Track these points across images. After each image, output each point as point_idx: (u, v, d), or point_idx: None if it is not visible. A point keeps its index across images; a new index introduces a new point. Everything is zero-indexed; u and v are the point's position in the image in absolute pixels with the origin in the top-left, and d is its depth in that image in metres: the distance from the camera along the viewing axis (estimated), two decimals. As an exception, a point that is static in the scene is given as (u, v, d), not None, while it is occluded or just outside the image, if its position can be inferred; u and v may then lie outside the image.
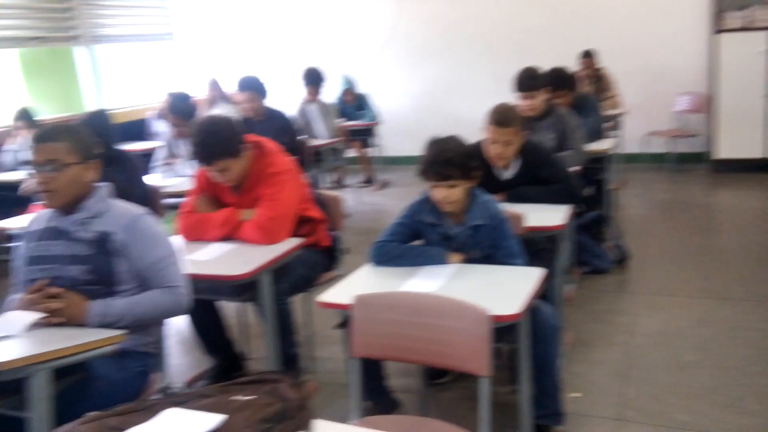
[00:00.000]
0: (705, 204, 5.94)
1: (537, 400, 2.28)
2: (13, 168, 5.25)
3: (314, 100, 6.30)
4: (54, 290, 1.98)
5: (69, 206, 2.10)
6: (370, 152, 7.35)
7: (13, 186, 4.95)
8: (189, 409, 1.33)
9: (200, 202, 2.88)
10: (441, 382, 2.89)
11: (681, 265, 4.24)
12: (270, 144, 2.90)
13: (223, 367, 3.01)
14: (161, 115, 6.51)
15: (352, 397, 1.99)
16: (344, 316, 2.15)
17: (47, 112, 6.12)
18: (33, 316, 1.91)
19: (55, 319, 1.93)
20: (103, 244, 2.07)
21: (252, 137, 2.86)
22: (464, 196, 2.40)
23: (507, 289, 2.12)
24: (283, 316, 2.75)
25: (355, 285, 2.25)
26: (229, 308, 3.22)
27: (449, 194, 2.36)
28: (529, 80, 3.89)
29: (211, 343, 3.00)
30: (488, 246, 2.40)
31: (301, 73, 6.38)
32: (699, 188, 6.41)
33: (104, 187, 2.19)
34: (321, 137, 6.00)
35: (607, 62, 6.51)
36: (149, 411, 1.31)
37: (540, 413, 2.32)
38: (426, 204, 2.48)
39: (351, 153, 7.17)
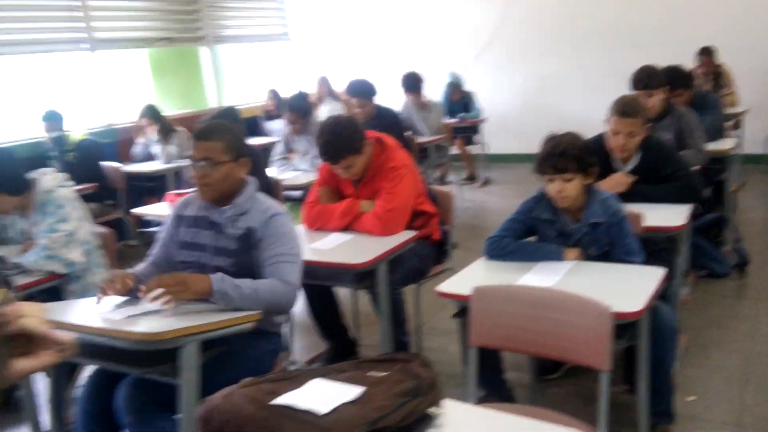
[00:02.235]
0: (834, 209, 5.56)
1: (649, 399, 2.26)
2: (142, 160, 5.69)
3: (417, 101, 6.39)
4: (169, 281, 2.00)
5: (220, 199, 2.28)
6: (474, 149, 7.38)
7: (143, 176, 5.38)
8: (331, 381, 1.45)
9: (323, 194, 3.04)
10: (552, 378, 2.91)
11: (806, 272, 4.02)
12: (389, 139, 3.02)
13: (337, 350, 3.16)
14: (269, 114, 6.83)
15: (468, 384, 2.06)
16: (461, 307, 2.22)
17: (172, 109, 6.56)
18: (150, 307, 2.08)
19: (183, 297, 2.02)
20: (247, 240, 2.23)
21: (372, 133, 2.99)
22: (581, 191, 2.40)
23: (626, 287, 2.12)
24: (396, 305, 2.86)
25: (472, 277, 2.31)
26: (343, 296, 3.37)
27: (565, 188, 2.37)
28: (646, 78, 3.80)
29: (326, 328, 3.16)
30: (606, 243, 2.40)
31: (400, 79, 6.46)
32: (827, 192, 6.00)
33: (252, 184, 2.34)
34: (424, 134, 6.09)
35: (726, 58, 6.20)
36: (297, 380, 1.44)
37: (652, 411, 2.30)
38: (542, 200, 2.51)
39: (454, 150, 7.22)
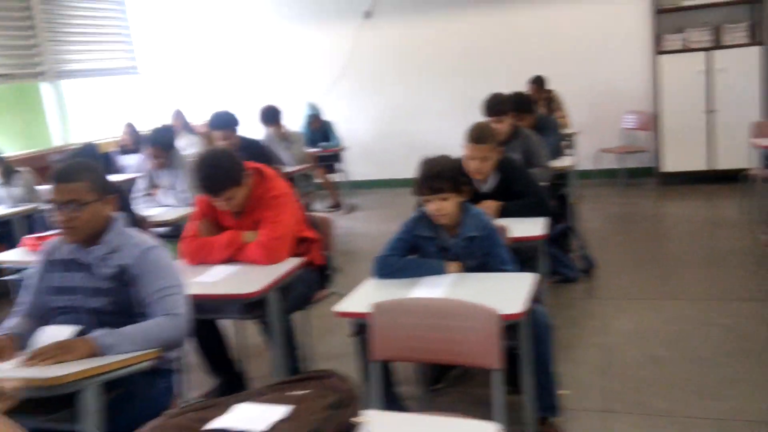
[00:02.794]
0: (655, 215, 6.34)
1: (535, 395, 2.47)
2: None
3: (278, 132, 6.45)
4: (47, 348, 1.94)
5: (88, 240, 2.19)
6: (336, 177, 7.54)
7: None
8: (255, 403, 1.47)
9: (202, 227, 3.00)
10: (438, 387, 3.06)
11: (640, 271, 4.56)
12: (268, 170, 3.06)
13: (227, 386, 3.10)
14: (125, 149, 6.56)
15: (373, 398, 2.14)
16: (358, 325, 2.30)
17: (12, 149, 6.08)
18: (69, 329, 2.01)
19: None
20: (121, 277, 2.17)
21: (250, 164, 3.01)
22: (456, 209, 2.60)
23: (505, 292, 2.32)
24: (288, 333, 2.88)
25: (364, 296, 2.41)
26: (227, 329, 3.32)
27: (442, 207, 2.56)
28: (497, 105, 4.17)
29: (214, 363, 3.10)
30: (482, 255, 2.61)
31: (258, 112, 6.49)
32: (649, 200, 6.82)
33: (120, 220, 2.28)
34: (288, 164, 6.15)
35: (556, 84, 6.90)
36: (220, 407, 1.44)
37: (539, 406, 2.52)
38: (422, 219, 2.67)
39: (317, 179, 7.33)
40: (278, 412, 1.39)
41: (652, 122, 7.17)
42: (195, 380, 3.30)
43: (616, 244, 5.32)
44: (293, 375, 2.87)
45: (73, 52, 6.93)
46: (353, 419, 1.45)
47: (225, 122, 5.03)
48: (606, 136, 7.44)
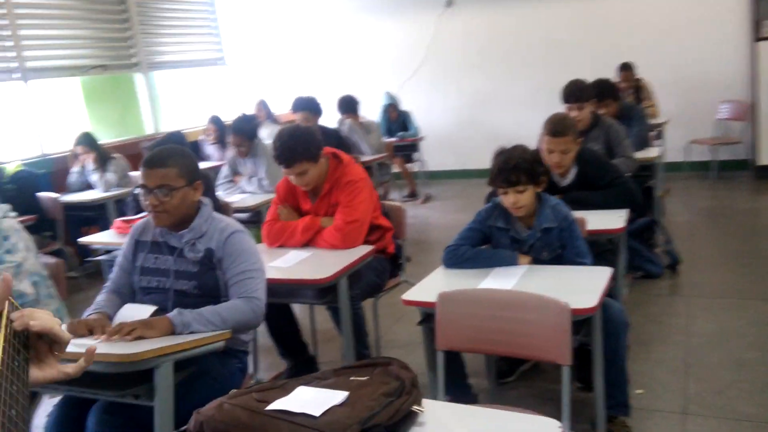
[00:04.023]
0: (749, 210, 5.97)
1: (606, 391, 2.40)
2: (78, 189, 5.55)
3: (356, 122, 6.50)
4: (130, 324, 2.02)
5: (177, 224, 2.28)
6: (413, 167, 7.55)
7: (81, 206, 5.26)
8: (316, 387, 1.50)
9: (282, 211, 3.08)
10: (508, 381, 3.02)
11: (730, 268, 4.32)
12: (345, 155, 3.10)
13: (298, 369, 3.17)
14: (210, 139, 6.80)
15: (437, 388, 2.14)
16: (425, 314, 2.30)
17: (108, 137, 6.43)
18: (149, 309, 2.11)
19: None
20: (208, 261, 2.25)
21: (329, 149, 3.06)
22: (533, 200, 2.55)
23: (578, 286, 2.25)
24: (357, 320, 2.92)
25: (433, 286, 2.40)
26: (300, 313, 3.40)
27: (518, 199, 2.51)
28: (576, 92, 4.03)
29: (286, 346, 3.18)
30: (558, 247, 2.54)
31: (336, 102, 6.56)
32: (742, 195, 6.43)
33: (208, 205, 2.36)
34: (365, 153, 6.20)
35: (645, 72, 6.61)
36: (283, 389, 1.48)
37: (609, 404, 2.44)
38: (496, 209, 2.63)
39: (394, 168, 7.37)
40: (336, 397, 1.41)
41: (748, 112, 6.75)
42: (268, 362, 3.41)
43: (704, 239, 5.06)
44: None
45: (164, 44, 7.24)
46: (411, 408, 1.46)
47: (306, 105, 5.15)
48: (698, 127, 7.07)
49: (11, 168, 4.91)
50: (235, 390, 1.46)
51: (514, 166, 2.49)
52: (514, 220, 2.60)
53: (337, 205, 2.97)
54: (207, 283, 2.24)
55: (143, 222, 2.44)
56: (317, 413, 1.33)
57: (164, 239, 2.32)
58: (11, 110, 5.73)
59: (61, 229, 5.07)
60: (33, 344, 0.90)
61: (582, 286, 2.25)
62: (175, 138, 3.82)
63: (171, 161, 2.24)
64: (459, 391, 2.52)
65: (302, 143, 2.89)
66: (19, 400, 0.80)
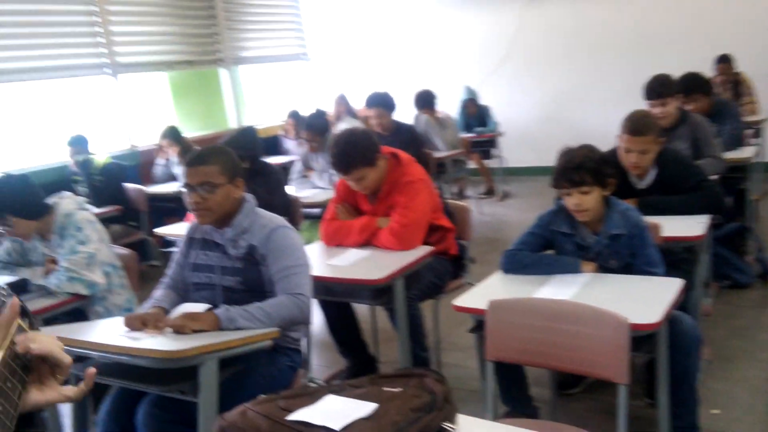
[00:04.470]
0: None
1: (673, 412, 2.23)
2: (163, 180, 5.78)
3: (432, 117, 6.41)
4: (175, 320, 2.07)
5: (221, 221, 2.31)
6: (491, 163, 7.38)
7: (164, 197, 5.47)
8: (345, 397, 1.46)
9: (340, 210, 3.07)
10: (572, 393, 2.88)
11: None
12: (404, 155, 3.04)
13: (357, 367, 3.16)
14: (288, 133, 6.92)
15: (487, 399, 2.05)
16: (477, 321, 2.22)
17: (192, 130, 6.66)
18: (202, 307, 2.14)
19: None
20: (251, 257, 2.26)
21: (387, 148, 3.02)
22: (599, 204, 2.40)
23: (644, 298, 2.10)
24: (414, 321, 2.86)
25: (488, 291, 2.31)
26: (362, 312, 3.37)
27: (582, 201, 2.37)
28: (659, 87, 3.78)
29: (345, 345, 3.17)
30: (627, 255, 2.38)
31: (413, 97, 6.48)
32: None
33: (250, 201, 2.37)
34: (441, 149, 6.11)
35: (746, 66, 6.15)
36: (311, 396, 1.45)
37: (675, 425, 2.27)
38: (560, 213, 2.50)
39: (472, 164, 7.23)
40: (363, 409, 1.37)
41: None
42: (328, 358, 3.42)
43: (805, 247, 4.64)
44: (420, 364, 2.89)
45: (248, 40, 7.41)
46: (441, 425, 1.39)
47: (379, 101, 5.12)
48: (804, 124, 6.50)
49: (101, 160, 5.16)
50: (263, 396, 1.44)
51: (578, 165, 2.35)
52: (580, 225, 2.46)
53: (394, 206, 2.92)
54: (251, 279, 2.26)
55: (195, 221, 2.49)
56: (338, 427, 1.29)
57: (211, 236, 2.35)
58: (102, 104, 6.03)
59: (145, 219, 5.29)
60: (35, 367, 0.91)
61: (648, 298, 2.10)
62: (247, 133, 3.87)
63: (212, 159, 2.27)
64: (518, 402, 2.42)
65: (358, 149, 2.85)
66: (3, 422, 0.80)
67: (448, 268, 3.12)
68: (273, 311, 2.13)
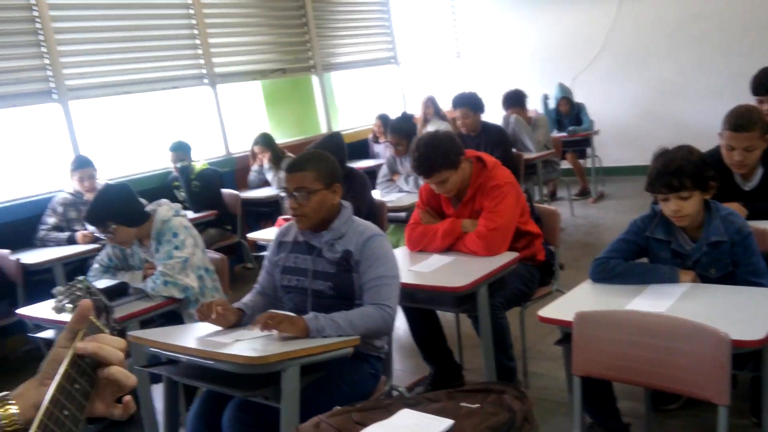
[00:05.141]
0: None
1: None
2: (257, 186, 5.97)
3: (523, 116, 6.25)
4: (278, 314, 2.12)
5: (318, 226, 2.34)
6: (586, 163, 7.11)
7: (258, 202, 5.64)
8: (420, 411, 1.43)
9: (424, 215, 3.04)
10: (669, 409, 2.71)
11: None
12: (490, 158, 2.98)
13: (441, 375, 3.12)
14: (375, 137, 6.96)
15: (574, 414, 1.97)
16: (564, 333, 2.13)
17: (285, 137, 6.83)
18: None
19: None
20: (345, 263, 2.28)
21: (472, 152, 2.96)
22: (699, 209, 2.24)
23: (748, 312, 1.95)
24: (499, 329, 2.79)
25: (576, 301, 2.22)
26: (446, 319, 3.33)
27: (681, 207, 2.22)
28: (767, 82, 3.51)
29: (429, 352, 3.13)
30: (729, 264, 2.22)
31: (501, 96, 6.34)
32: None
33: (348, 208, 2.40)
34: (531, 150, 5.94)
35: None
36: (386, 410, 1.44)
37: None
38: (655, 218, 2.36)
39: (565, 165, 6.99)
40: (438, 426, 1.34)
41: None
42: (413, 364, 3.39)
43: None
44: (505, 373, 2.82)
45: (340, 46, 7.52)
46: (520, 445, 1.34)
47: (465, 101, 5.06)
48: None
49: (198, 166, 5.39)
50: (338, 408, 1.44)
51: (676, 169, 2.20)
52: (677, 231, 2.31)
53: (480, 210, 2.86)
54: (343, 285, 2.27)
55: (287, 224, 2.53)
56: (410, 443, 1.26)
57: (305, 239, 2.39)
58: (200, 113, 6.30)
59: (240, 223, 5.48)
60: (99, 379, 0.88)
61: (752, 311, 1.94)
62: (333, 139, 3.92)
63: (309, 165, 2.30)
64: (603, 415, 2.30)
65: (440, 151, 2.82)
66: (65, 425, 0.80)
67: (535, 275, 3.03)
68: (359, 322, 2.14)
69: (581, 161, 7.07)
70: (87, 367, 0.87)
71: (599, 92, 7.68)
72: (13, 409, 0.82)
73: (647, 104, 7.62)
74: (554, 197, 7.14)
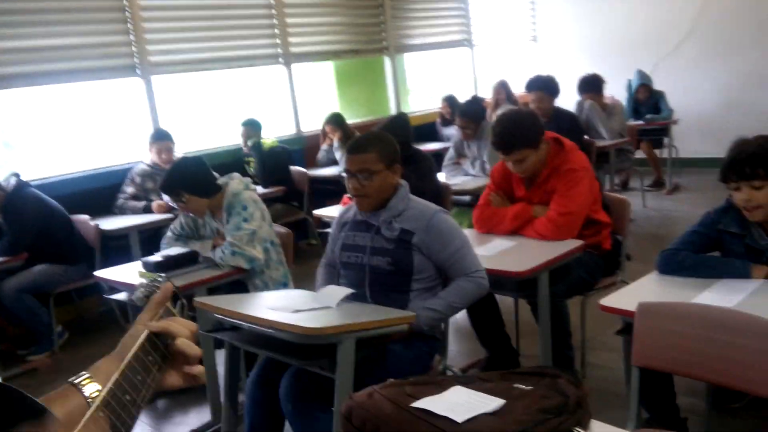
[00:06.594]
0: None
1: None
2: (325, 164, 6.06)
3: (599, 102, 6.07)
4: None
5: (378, 205, 2.38)
6: (662, 153, 6.86)
7: (326, 180, 5.73)
8: (473, 389, 1.44)
9: (495, 198, 3.03)
10: (733, 407, 2.62)
11: None
12: (568, 141, 2.94)
13: (497, 359, 3.11)
14: (444, 120, 6.92)
15: (630, 406, 1.93)
16: (625, 323, 2.09)
17: (355, 117, 6.89)
18: (345, 291, 2.23)
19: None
20: (403, 241, 2.31)
21: (551, 133, 2.92)
22: (775, 200, 2.14)
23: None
24: (559, 317, 2.76)
25: (641, 292, 2.17)
26: (505, 304, 3.31)
27: (753, 196, 2.13)
28: None
29: (487, 335, 3.12)
30: (805, 261, 2.12)
31: (577, 81, 6.17)
32: None
33: (405, 187, 2.43)
34: (605, 138, 5.77)
35: None
36: (439, 385, 1.45)
37: None
38: (730, 211, 2.27)
39: (639, 154, 6.76)
40: (489, 404, 1.34)
41: None
42: (470, 347, 3.39)
43: None
44: (563, 362, 2.79)
45: (414, 28, 7.49)
46: (571, 429, 1.33)
47: (540, 84, 4.96)
48: None
49: (268, 143, 5.51)
50: (392, 380, 1.47)
51: (749, 156, 2.12)
52: (753, 225, 2.22)
53: (552, 193, 2.82)
54: (401, 261, 2.31)
55: (348, 205, 2.58)
56: (461, 419, 1.28)
57: (364, 217, 2.43)
58: (273, 92, 6.43)
59: (306, 200, 5.59)
60: (171, 353, 0.96)
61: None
62: (399, 120, 3.93)
63: (371, 146, 2.33)
64: (660, 410, 2.24)
65: (522, 129, 2.79)
66: (138, 389, 0.86)
67: (600, 264, 2.96)
68: (457, 301, 2.29)
69: (657, 151, 6.82)
70: (159, 343, 0.94)
71: (680, 80, 7.36)
72: (95, 385, 0.88)
73: (731, 94, 7.25)
74: (626, 187, 6.92)
